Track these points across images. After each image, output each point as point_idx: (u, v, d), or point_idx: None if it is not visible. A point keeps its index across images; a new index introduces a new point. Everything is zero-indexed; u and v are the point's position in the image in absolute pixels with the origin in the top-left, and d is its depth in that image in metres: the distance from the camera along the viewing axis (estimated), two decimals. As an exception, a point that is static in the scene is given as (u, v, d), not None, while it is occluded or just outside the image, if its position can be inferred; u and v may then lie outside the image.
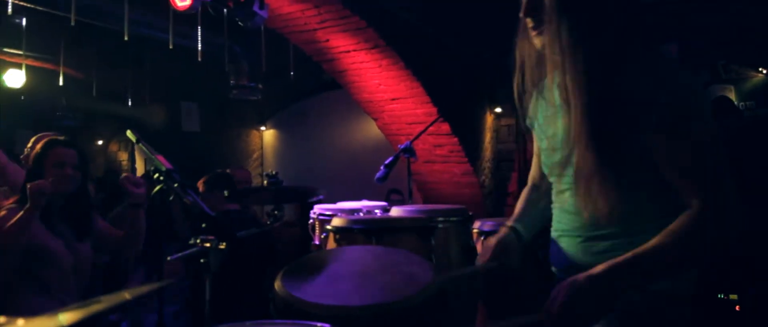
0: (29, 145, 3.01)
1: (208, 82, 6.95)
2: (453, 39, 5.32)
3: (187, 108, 7.14)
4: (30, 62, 5.71)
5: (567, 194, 1.28)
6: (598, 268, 1.07)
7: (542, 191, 1.48)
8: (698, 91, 1.12)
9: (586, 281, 1.06)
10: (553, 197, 1.36)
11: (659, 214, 1.13)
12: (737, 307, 3.27)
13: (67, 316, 0.68)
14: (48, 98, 6.78)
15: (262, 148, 8.38)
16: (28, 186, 2.09)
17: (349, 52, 4.66)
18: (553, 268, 1.41)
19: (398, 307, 1.45)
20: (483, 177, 6.07)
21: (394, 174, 5.15)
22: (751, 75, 5.14)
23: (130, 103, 6.16)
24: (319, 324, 1.38)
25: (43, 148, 2.31)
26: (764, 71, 5.01)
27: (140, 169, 8.21)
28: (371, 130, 6.53)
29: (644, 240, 1.10)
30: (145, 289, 0.72)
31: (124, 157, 9.19)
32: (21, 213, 2.07)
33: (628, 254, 1.08)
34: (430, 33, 5.01)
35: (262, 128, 8.30)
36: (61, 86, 5.50)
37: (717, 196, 1.06)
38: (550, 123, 1.28)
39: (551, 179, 1.35)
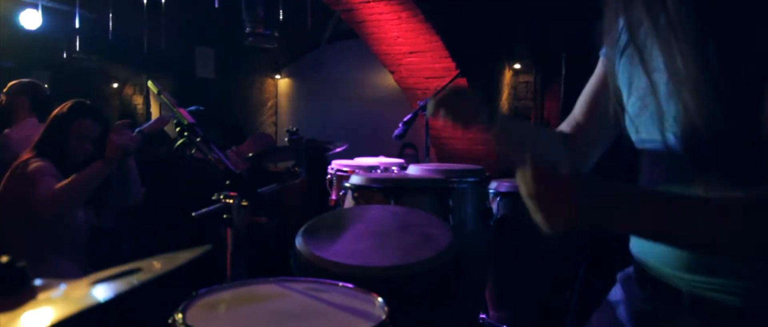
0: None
1: (223, 27, 6.87)
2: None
3: (203, 53, 7.09)
4: (46, 3, 5.66)
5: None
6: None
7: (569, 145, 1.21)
8: None
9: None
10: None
11: None
12: None
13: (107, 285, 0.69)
14: (63, 40, 6.75)
15: (276, 96, 8.36)
16: (114, 139, 2.07)
17: (368, 2, 4.57)
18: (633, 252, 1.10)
19: (417, 269, 1.47)
20: (498, 134, 6.03)
21: (411, 130, 5.13)
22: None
23: (145, 47, 6.12)
24: (341, 283, 1.41)
25: (69, 112, 2.26)
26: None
27: (155, 113, 8.24)
28: (387, 82, 6.47)
29: None
30: (185, 256, 0.72)
31: (139, 100, 9.21)
32: (96, 165, 2.07)
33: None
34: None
35: (277, 77, 8.26)
36: (77, 28, 5.47)
37: None
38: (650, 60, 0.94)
39: (633, 137, 1.04)
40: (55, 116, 2.26)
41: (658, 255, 0.98)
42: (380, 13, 4.68)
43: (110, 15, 5.71)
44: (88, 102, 2.35)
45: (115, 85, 9.15)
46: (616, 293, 1.18)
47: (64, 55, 6.97)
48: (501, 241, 2.62)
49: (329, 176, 2.54)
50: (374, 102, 6.95)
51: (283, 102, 8.31)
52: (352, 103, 7.19)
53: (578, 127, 1.22)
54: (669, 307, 0.97)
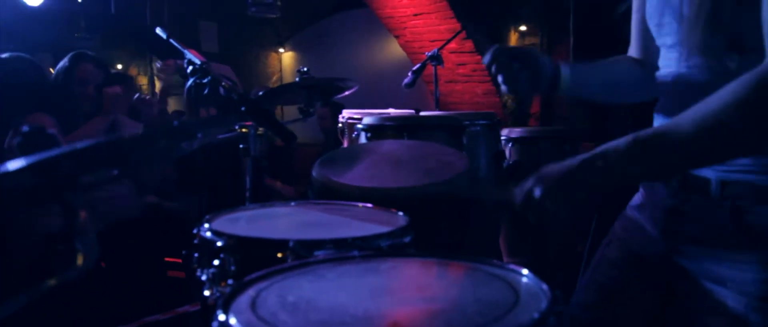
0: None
1: (226, 1, 6.83)
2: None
3: (206, 28, 7.06)
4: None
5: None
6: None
7: (640, 64, 1.19)
8: None
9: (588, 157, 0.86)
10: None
11: None
12: None
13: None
14: (66, 19, 6.73)
15: (281, 70, 8.33)
16: (107, 91, 2.13)
17: (371, -37, 4.52)
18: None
19: (435, 190, 1.47)
20: (505, 97, 6.00)
21: (415, 94, 5.10)
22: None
23: (148, 21, 6.10)
24: (361, 204, 1.42)
25: (70, 60, 2.32)
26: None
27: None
28: (392, 50, 6.42)
29: None
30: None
31: (144, 81, 9.20)
32: (94, 119, 2.11)
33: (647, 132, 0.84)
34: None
35: (281, 50, 8.22)
36: (80, 3, 5.45)
37: None
38: None
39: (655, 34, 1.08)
40: (58, 68, 2.32)
41: None
42: (384, -26, 4.63)
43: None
44: (89, 52, 2.40)
45: (120, 67, 9.13)
46: (637, 198, 1.18)
47: (67, 36, 6.96)
48: (514, 187, 2.62)
49: (341, 125, 2.54)
50: (380, 71, 6.91)
51: (288, 76, 8.28)
52: (357, 73, 7.15)
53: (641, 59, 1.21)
54: (696, 198, 0.97)
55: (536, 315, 0.64)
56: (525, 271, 0.81)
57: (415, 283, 0.82)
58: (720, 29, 0.88)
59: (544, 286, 0.73)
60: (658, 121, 1.09)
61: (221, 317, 0.67)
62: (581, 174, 0.86)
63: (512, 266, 0.84)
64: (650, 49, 1.15)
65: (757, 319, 0.87)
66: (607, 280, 1.17)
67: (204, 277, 1.13)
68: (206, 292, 1.13)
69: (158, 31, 2.13)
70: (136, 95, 2.69)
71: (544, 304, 0.68)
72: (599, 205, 3.04)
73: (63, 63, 2.40)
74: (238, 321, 0.66)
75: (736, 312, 0.89)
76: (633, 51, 1.22)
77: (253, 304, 0.73)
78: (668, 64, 1.03)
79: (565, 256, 3.16)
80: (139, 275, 2.42)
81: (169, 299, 2.35)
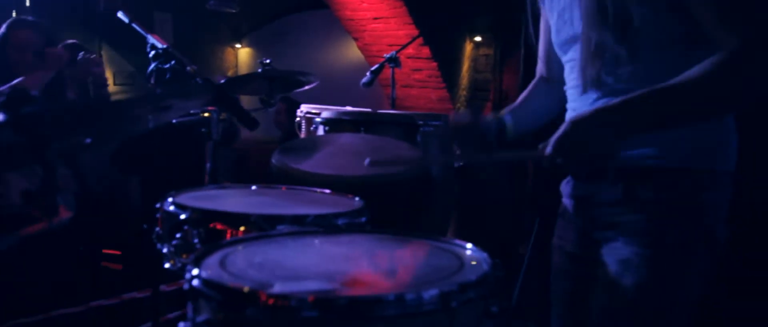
0: None
1: (183, -8, 6.73)
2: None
3: (161, 18, 6.94)
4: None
5: (571, 67, 1.22)
6: (588, 110, 1.02)
7: (550, 83, 1.39)
8: None
9: (578, 120, 1.01)
10: (565, 76, 1.29)
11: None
12: None
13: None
14: (13, 3, 6.47)
15: (236, 66, 8.26)
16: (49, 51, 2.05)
17: (334, -36, 4.58)
18: None
19: (389, 178, 1.55)
20: (458, 104, 6.17)
21: (371, 96, 5.19)
22: None
23: (101, 7, 5.94)
24: (318, 189, 1.48)
25: (6, 27, 2.25)
26: None
27: (111, 80, 8.02)
28: (350, 52, 6.49)
29: None
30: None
31: (92, 69, 8.92)
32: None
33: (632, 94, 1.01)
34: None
35: (238, 46, 8.15)
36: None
37: (761, 31, 0.92)
38: None
39: (562, 57, 1.27)
40: None
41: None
42: (346, -23, 4.71)
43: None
44: (28, 18, 2.33)
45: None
46: (563, 186, 1.32)
47: (13, 16, 6.68)
48: (462, 186, 2.74)
49: (299, 119, 2.59)
50: (337, 71, 6.96)
51: (244, 72, 8.22)
52: (315, 72, 7.19)
53: (544, 80, 1.44)
54: (599, 185, 1.17)
55: (478, 275, 0.73)
56: (469, 245, 0.90)
57: (370, 252, 0.89)
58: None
59: (485, 255, 0.83)
60: None
61: (194, 271, 0.72)
62: (601, 123, 1.01)
63: (458, 241, 0.93)
64: (554, 68, 1.37)
65: (638, 261, 1.09)
66: (562, 292, 1.30)
67: (165, 250, 1.17)
68: (167, 265, 1.17)
69: (120, 15, 2.13)
70: (81, 54, 2.53)
71: (485, 267, 0.77)
72: (541, 208, 3.21)
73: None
74: (210, 275, 0.72)
75: (626, 257, 1.11)
76: (541, 69, 1.45)
77: (222, 263, 0.79)
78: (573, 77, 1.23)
79: (509, 255, 3.31)
80: (78, 265, 2.38)
81: (110, 287, 2.33)
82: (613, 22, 1.05)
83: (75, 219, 1.48)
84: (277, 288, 0.65)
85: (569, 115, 1.27)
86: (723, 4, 0.95)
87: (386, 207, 1.56)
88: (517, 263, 3.20)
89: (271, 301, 0.62)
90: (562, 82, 1.31)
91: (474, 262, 0.81)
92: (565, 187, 1.30)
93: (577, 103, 1.23)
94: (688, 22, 1.00)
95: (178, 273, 1.14)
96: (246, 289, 0.65)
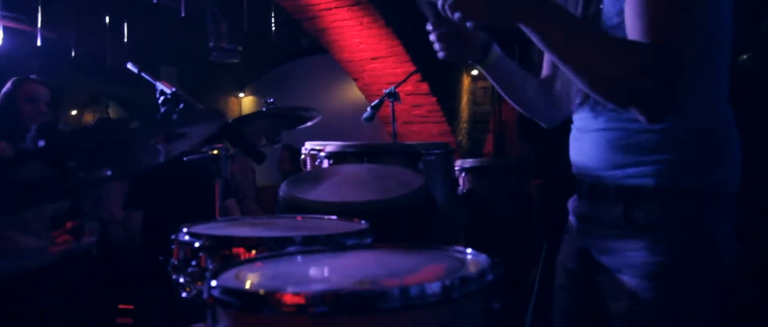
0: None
1: (186, 46, 6.95)
2: None
3: (167, 72, 7.13)
4: (6, 23, 5.65)
5: None
6: None
7: (546, 88, 1.37)
8: None
9: None
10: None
11: None
12: None
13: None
14: (22, 62, 6.70)
15: (240, 114, 8.42)
16: None
17: (330, 9, 4.75)
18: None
19: (393, 204, 1.61)
20: (460, 137, 6.26)
21: (373, 133, 5.27)
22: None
23: (108, 65, 6.14)
24: (325, 216, 1.53)
25: (13, 84, 2.34)
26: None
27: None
28: (351, 94, 6.64)
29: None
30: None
31: (99, 126, 9.11)
32: None
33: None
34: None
35: (241, 95, 8.34)
36: (38, 47, 5.47)
37: (670, 35, 0.94)
38: None
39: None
40: (4, 94, 2.31)
41: (593, 158, 1.20)
42: (342, 20, 4.87)
43: (71, 35, 5.74)
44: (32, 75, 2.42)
45: (74, 113, 9.05)
46: (570, 203, 1.35)
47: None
48: (468, 213, 2.79)
49: (303, 156, 2.66)
50: (340, 114, 7.09)
51: (248, 119, 8.38)
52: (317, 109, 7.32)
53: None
54: (600, 204, 1.18)
55: (477, 270, 0.78)
56: (469, 249, 0.95)
57: (376, 261, 0.94)
58: None
59: (484, 256, 0.88)
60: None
61: (213, 282, 0.78)
62: None
63: (458, 247, 0.98)
64: (556, 80, 1.34)
65: (647, 296, 1.06)
66: (562, 309, 1.31)
67: (181, 280, 1.22)
68: (183, 294, 1.22)
69: (129, 65, 2.23)
70: None
71: (484, 264, 0.82)
72: (548, 232, 3.24)
73: (6, 87, 2.39)
74: (227, 283, 0.77)
75: (631, 291, 1.07)
76: (545, 71, 1.42)
77: (237, 276, 0.84)
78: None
79: (520, 280, 3.32)
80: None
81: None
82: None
83: (98, 243, 1.54)
84: (290, 289, 0.71)
85: (573, 130, 1.28)
86: (646, 16, 0.97)
87: (392, 232, 1.61)
88: (529, 289, 3.21)
89: (285, 299, 0.67)
90: (560, 98, 1.32)
91: (474, 261, 0.86)
92: (571, 204, 1.32)
93: (577, 115, 1.25)
94: None
95: (194, 300, 1.19)
96: (262, 291, 0.70)
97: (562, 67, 1.04)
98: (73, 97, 8.72)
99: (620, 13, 1.06)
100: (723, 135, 1.11)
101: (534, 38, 1.02)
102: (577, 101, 1.23)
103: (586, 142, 1.22)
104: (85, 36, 5.88)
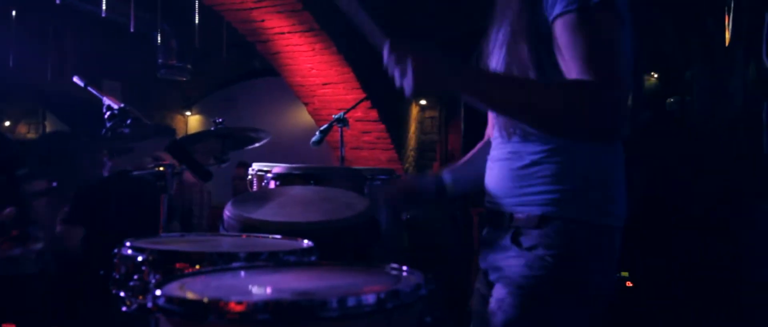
0: None
1: (133, 61, 6.82)
2: (382, 30, 5.59)
3: (110, 87, 6.95)
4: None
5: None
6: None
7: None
8: None
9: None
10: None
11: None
12: (628, 283, 3.68)
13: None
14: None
15: (186, 132, 8.27)
16: None
17: (283, 33, 4.81)
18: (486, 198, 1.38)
19: (337, 226, 1.65)
20: (407, 165, 6.38)
21: (321, 157, 5.29)
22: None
23: (49, 78, 5.95)
24: (270, 236, 1.56)
25: None
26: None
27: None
28: (302, 119, 6.67)
29: (568, 152, 1.15)
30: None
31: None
32: None
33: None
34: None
35: (188, 113, 8.21)
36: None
37: (600, 87, 1.04)
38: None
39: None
40: None
41: (497, 186, 1.30)
42: (295, 45, 4.93)
43: (11, 45, 5.54)
44: None
45: (7, 124, 8.65)
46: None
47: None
48: (411, 237, 2.86)
49: (250, 177, 2.67)
50: (288, 136, 7.10)
51: (194, 138, 8.25)
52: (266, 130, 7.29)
53: (488, 142, 1.49)
54: (498, 230, 1.27)
55: (410, 285, 0.84)
56: (405, 267, 1.01)
57: (317, 277, 0.99)
58: None
59: (419, 273, 0.94)
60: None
61: (157, 292, 0.80)
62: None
63: (396, 266, 1.04)
64: None
65: (508, 301, 1.18)
66: None
67: (122, 294, 1.22)
68: (124, 308, 1.22)
69: (76, 79, 2.21)
70: None
71: (417, 280, 0.88)
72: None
73: None
74: (172, 293, 0.80)
75: (500, 297, 1.20)
76: (488, 132, 1.50)
77: (182, 287, 0.87)
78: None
79: (455, 300, 3.39)
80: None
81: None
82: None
83: (43, 251, 1.50)
84: (234, 298, 0.74)
85: (489, 164, 1.36)
86: (577, 54, 1.07)
87: (335, 254, 1.65)
88: (465, 309, 3.30)
89: (229, 307, 0.71)
90: None
91: (408, 277, 0.92)
92: (481, 237, 1.39)
93: (493, 142, 1.33)
94: None
95: (134, 314, 1.19)
96: (206, 299, 0.74)
97: (507, 117, 1.16)
98: (8, 108, 8.34)
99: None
100: (613, 172, 1.21)
101: (473, 101, 1.13)
102: (495, 131, 1.32)
103: (494, 169, 1.31)
104: (25, 46, 5.69)
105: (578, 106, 1.05)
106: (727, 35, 3.74)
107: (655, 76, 5.68)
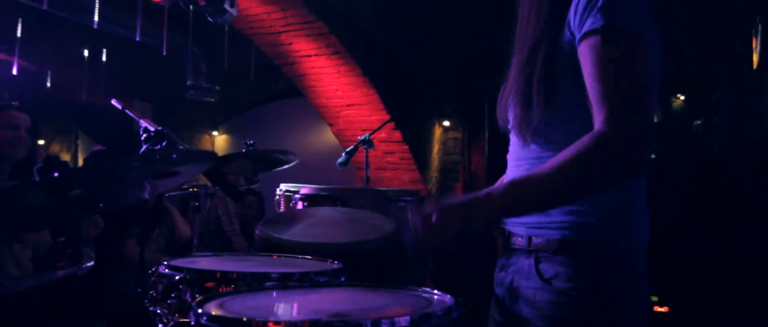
0: None
1: (163, 82, 7.00)
2: (406, 52, 5.67)
3: (141, 108, 7.14)
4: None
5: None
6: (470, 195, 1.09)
7: None
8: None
9: (455, 202, 1.08)
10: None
11: None
12: (659, 308, 3.60)
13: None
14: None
15: (214, 153, 8.42)
16: None
17: (310, 56, 4.90)
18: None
19: (364, 247, 1.68)
20: (430, 185, 6.39)
21: (346, 179, 5.34)
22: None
23: (83, 97, 6.14)
24: (300, 256, 1.60)
25: None
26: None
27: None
28: (325, 137, 6.74)
29: None
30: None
31: (66, 157, 8.98)
32: None
33: (506, 184, 1.11)
34: (386, 45, 5.33)
35: (214, 133, 8.36)
36: (13, 76, 5.45)
37: (623, 115, 1.01)
38: None
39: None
40: None
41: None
42: (321, 67, 5.02)
43: (49, 66, 5.74)
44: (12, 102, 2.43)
45: (42, 142, 8.91)
46: (499, 259, 1.44)
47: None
48: (436, 258, 2.87)
49: (277, 197, 2.73)
50: (313, 157, 7.18)
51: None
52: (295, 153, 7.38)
53: None
54: (515, 252, 1.25)
55: (442, 308, 0.86)
56: (436, 291, 1.03)
57: (349, 297, 1.02)
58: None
59: (449, 296, 0.96)
60: None
61: (199, 310, 0.84)
62: (469, 207, 1.08)
63: (426, 289, 1.06)
64: None
65: (539, 324, 1.14)
66: None
67: (158, 311, 1.27)
68: (160, 326, 1.26)
69: (114, 101, 2.29)
70: None
71: (449, 303, 0.90)
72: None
73: None
74: (214, 312, 0.84)
75: (528, 320, 1.16)
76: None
77: (222, 306, 0.91)
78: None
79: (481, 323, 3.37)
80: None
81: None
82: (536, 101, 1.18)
83: (95, 268, 1.56)
84: (272, 318, 0.78)
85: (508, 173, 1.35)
86: (601, 83, 1.05)
87: (362, 273, 1.68)
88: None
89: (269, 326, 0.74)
90: None
91: (439, 300, 0.94)
92: (499, 259, 1.37)
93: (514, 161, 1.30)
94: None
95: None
96: (245, 319, 0.77)
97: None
98: (43, 127, 8.61)
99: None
100: (635, 193, 1.18)
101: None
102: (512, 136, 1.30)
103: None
104: (62, 67, 5.89)
105: (606, 162, 1.02)
106: (755, 58, 3.71)
107: (682, 98, 5.63)
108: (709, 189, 4.37)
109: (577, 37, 1.10)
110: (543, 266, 1.16)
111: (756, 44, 3.65)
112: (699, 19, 4.43)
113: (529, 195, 1.07)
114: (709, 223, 4.33)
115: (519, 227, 1.24)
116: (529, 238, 1.20)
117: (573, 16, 1.11)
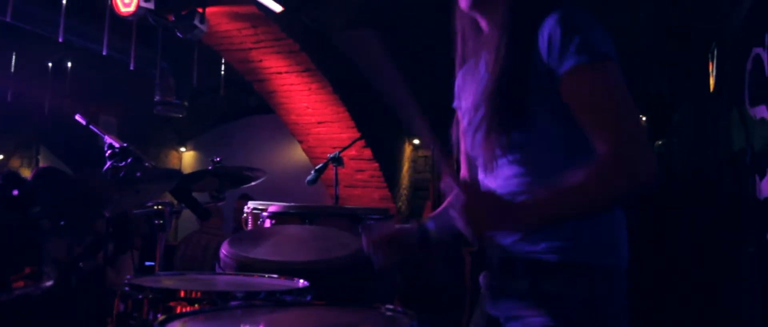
0: None
1: (130, 97, 6.88)
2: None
3: (106, 122, 7.01)
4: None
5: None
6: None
7: None
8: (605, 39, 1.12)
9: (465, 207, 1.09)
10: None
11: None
12: None
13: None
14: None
15: (180, 168, 8.29)
16: None
17: (281, 73, 4.90)
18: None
19: (332, 264, 1.68)
20: (400, 203, 6.41)
21: (315, 196, 5.31)
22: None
23: (46, 111, 5.99)
24: (267, 274, 1.59)
25: None
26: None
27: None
28: (296, 156, 6.72)
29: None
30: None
31: (27, 174, 8.72)
32: None
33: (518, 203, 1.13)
34: (356, 63, 5.37)
35: (182, 149, 8.25)
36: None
37: (629, 136, 1.06)
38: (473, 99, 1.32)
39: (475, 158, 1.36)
40: None
41: (504, 235, 1.28)
42: (291, 84, 5.02)
43: (10, 78, 5.59)
44: None
45: (1, 157, 8.64)
46: (481, 279, 1.46)
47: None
48: (404, 276, 2.88)
49: (245, 215, 2.71)
50: (283, 174, 7.13)
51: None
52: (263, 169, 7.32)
53: None
54: (508, 276, 1.26)
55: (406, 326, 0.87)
56: (399, 308, 1.04)
57: (316, 317, 1.02)
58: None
59: (413, 313, 0.97)
60: None
61: (159, 330, 0.83)
62: (504, 208, 1.11)
63: (389, 305, 1.07)
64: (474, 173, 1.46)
65: None
66: None
67: (121, 331, 1.24)
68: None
69: (78, 117, 2.25)
70: None
71: (413, 320, 0.92)
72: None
73: None
74: (174, 332, 0.83)
75: None
76: (463, 173, 1.51)
77: (183, 326, 0.90)
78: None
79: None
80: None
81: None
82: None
83: (53, 288, 1.51)
84: (236, 337, 0.78)
85: None
86: (596, 112, 1.10)
87: (330, 292, 1.68)
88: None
89: (231, 345, 0.74)
90: None
91: (402, 318, 0.95)
92: (482, 279, 1.38)
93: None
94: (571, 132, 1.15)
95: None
96: (209, 339, 0.77)
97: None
98: (2, 141, 8.35)
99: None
100: (616, 212, 1.23)
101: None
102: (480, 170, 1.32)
103: None
104: (24, 80, 5.75)
105: (621, 179, 1.06)
106: (712, 81, 3.86)
107: (644, 118, 5.80)
108: (670, 208, 4.50)
109: (559, 72, 1.12)
110: (540, 287, 1.18)
111: (712, 68, 3.80)
112: (661, 40, 4.60)
113: (554, 209, 1.10)
114: (667, 240, 4.44)
115: (509, 251, 1.24)
116: (524, 261, 1.21)
117: (547, 49, 1.14)
